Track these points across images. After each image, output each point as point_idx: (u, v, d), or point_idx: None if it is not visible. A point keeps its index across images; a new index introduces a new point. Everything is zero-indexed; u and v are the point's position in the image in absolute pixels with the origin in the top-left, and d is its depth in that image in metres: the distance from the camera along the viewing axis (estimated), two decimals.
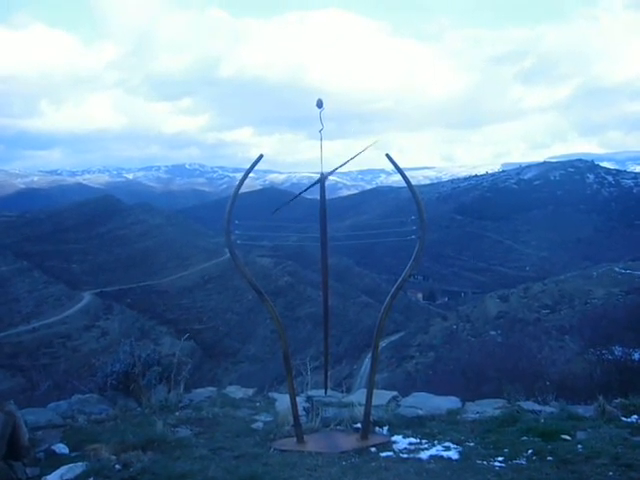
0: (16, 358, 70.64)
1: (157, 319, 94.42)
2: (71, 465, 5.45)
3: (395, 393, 8.20)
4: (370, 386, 6.42)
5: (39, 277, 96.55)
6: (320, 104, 5.90)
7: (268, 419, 7.20)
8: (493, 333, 68.00)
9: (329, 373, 7.08)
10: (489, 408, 7.24)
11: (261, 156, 6.07)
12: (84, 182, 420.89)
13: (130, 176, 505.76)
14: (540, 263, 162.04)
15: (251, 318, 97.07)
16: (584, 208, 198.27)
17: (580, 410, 7.04)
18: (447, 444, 6.06)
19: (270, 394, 8.70)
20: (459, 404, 7.61)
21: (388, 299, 6.32)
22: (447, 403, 7.60)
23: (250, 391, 8.86)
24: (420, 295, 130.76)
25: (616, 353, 13.49)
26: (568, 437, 5.96)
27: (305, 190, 6.91)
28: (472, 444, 6.02)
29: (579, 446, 5.69)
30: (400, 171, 6.18)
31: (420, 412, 7.20)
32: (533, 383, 10.65)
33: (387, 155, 6.06)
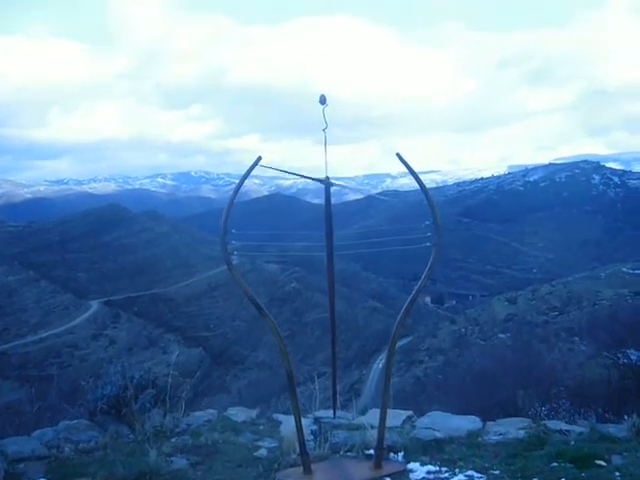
0: (24, 369, 70.60)
1: (165, 327, 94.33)
2: None
3: (410, 412, 7.58)
4: (383, 409, 5.75)
5: (46, 287, 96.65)
6: (323, 100, 5.33)
7: (272, 445, 6.63)
8: (502, 336, 67.62)
9: (337, 392, 6.53)
10: (512, 428, 6.69)
11: (259, 158, 5.40)
12: (90, 191, 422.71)
13: (136, 184, 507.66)
14: (547, 265, 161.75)
15: (259, 325, 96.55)
16: (590, 209, 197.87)
17: (611, 429, 6.46)
18: (470, 472, 5.49)
19: (275, 415, 8.04)
20: (479, 424, 6.99)
21: (401, 315, 5.66)
22: (466, 423, 7.00)
23: (253, 413, 8.17)
24: (428, 299, 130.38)
25: (632, 357, 13.09)
26: (603, 462, 5.41)
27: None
28: (497, 472, 5.48)
29: (617, 473, 5.16)
30: (411, 171, 5.66)
31: (438, 434, 6.62)
32: (548, 389, 10.20)
33: (398, 154, 5.50)
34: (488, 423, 7.06)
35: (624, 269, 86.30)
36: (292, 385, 5.69)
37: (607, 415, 8.33)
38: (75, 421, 7.41)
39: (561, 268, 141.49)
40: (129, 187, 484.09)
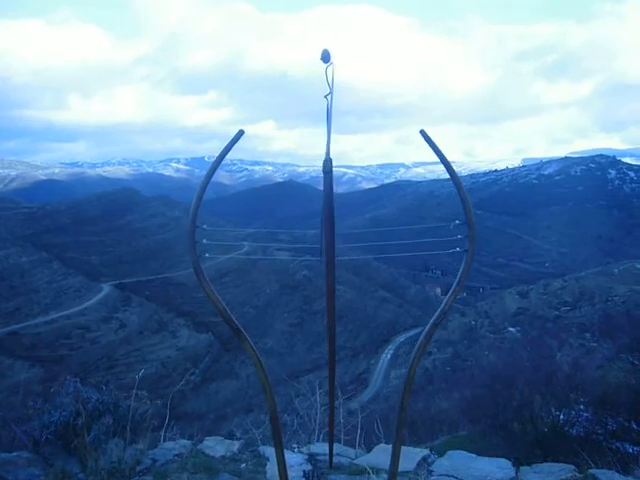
0: (34, 349, 71.22)
1: (175, 311, 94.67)
2: None
3: (426, 452, 6.23)
4: (394, 461, 4.32)
5: (58, 268, 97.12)
6: (327, 57, 4.17)
7: None
8: (512, 330, 67.50)
9: (334, 432, 5.33)
10: (552, 478, 5.49)
11: (241, 132, 4.42)
12: (104, 174, 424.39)
13: (150, 169, 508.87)
14: (560, 259, 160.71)
15: (269, 312, 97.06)
16: (605, 204, 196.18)
17: None
18: None
19: (262, 449, 6.54)
20: (511, 471, 5.67)
21: (422, 339, 4.47)
22: (495, 469, 5.68)
23: (235, 445, 6.69)
24: (439, 290, 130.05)
25: None
26: None
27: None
28: None
29: None
30: (437, 151, 4.33)
31: None
32: (564, 393, 9.54)
33: (422, 132, 4.20)
34: (522, 469, 5.82)
35: (638, 265, 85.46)
36: (276, 429, 4.55)
37: (628, 425, 7.72)
38: (15, 454, 5.97)
39: (574, 263, 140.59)
40: (143, 171, 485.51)
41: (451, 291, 4.35)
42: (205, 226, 4.38)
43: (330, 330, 4.66)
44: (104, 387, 6.50)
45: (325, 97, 4.29)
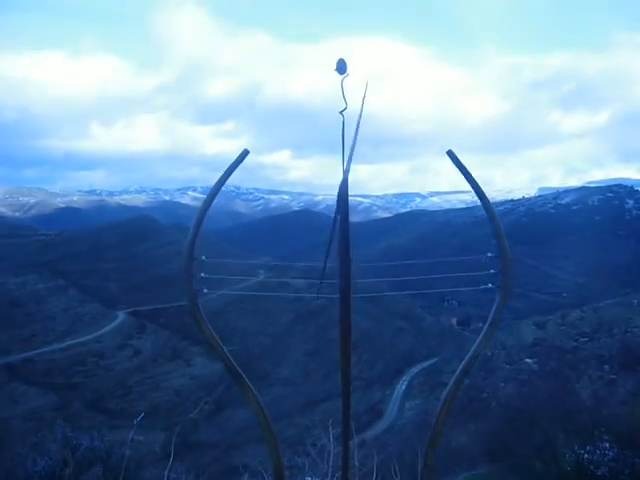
0: (49, 376, 71.27)
1: (190, 339, 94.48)
2: None
3: None
4: None
5: (75, 295, 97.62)
6: (342, 68, 3.70)
7: None
8: (529, 361, 66.57)
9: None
10: None
11: (246, 152, 4.13)
12: (122, 202, 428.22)
13: (167, 197, 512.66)
14: (577, 289, 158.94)
15: (284, 341, 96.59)
16: (623, 234, 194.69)
17: None
18: None
19: None
20: None
21: (451, 385, 4.07)
22: None
23: None
24: (455, 320, 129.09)
25: None
26: None
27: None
28: None
29: None
30: (465, 172, 4.09)
31: None
32: (587, 428, 8.97)
33: (449, 152, 3.96)
34: None
35: None
36: None
37: None
38: None
39: (592, 293, 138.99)
40: (160, 199, 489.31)
41: (483, 334, 3.96)
42: (204, 257, 4.09)
43: (345, 384, 4.13)
44: (96, 433, 5.75)
45: (341, 113, 3.83)
